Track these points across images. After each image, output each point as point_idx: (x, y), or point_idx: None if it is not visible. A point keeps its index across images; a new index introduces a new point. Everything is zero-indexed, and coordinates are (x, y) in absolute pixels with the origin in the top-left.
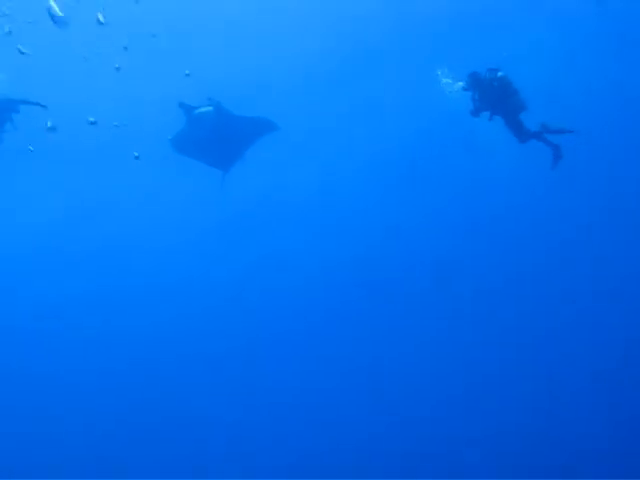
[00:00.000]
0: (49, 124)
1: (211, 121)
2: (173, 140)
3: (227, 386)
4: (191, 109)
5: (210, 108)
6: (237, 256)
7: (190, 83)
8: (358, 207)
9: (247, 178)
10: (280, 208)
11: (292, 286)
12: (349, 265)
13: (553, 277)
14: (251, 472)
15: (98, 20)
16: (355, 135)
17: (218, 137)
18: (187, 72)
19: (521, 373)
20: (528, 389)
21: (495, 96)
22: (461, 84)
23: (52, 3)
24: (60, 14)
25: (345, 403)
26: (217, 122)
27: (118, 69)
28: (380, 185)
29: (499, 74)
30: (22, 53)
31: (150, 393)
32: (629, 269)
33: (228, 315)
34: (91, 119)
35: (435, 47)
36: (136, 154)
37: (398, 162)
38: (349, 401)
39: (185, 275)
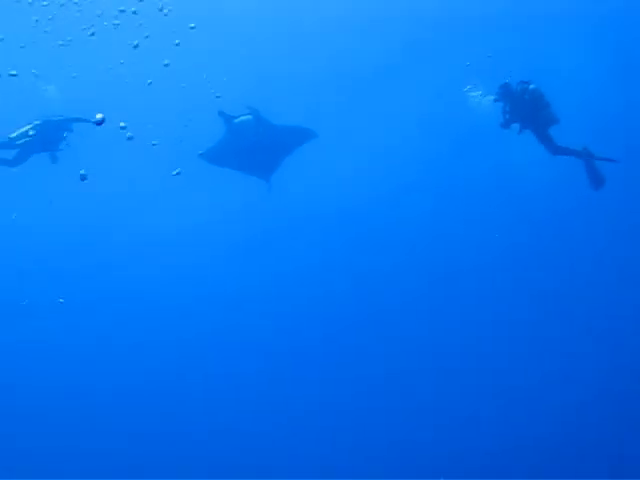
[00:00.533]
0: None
1: (252, 130)
2: (209, 152)
3: (237, 392)
4: (231, 118)
5: (250, 117)
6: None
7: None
8: (388, 221)
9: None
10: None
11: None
12: (378, 276)
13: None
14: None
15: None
16: (385, 149)
17: (259, 146)
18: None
19: (522, 374)
20: (527, 389)
21: (526, 109)
22: (491, 97)
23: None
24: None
25: (359, 408)
26: (257, 131)
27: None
28: (410, 200)
29: (531, 87)
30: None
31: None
32: None
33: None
34: (129, 134)
35: (465, 59)
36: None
37: (429, 177)
38: (363, 406)
39: (227, 286)
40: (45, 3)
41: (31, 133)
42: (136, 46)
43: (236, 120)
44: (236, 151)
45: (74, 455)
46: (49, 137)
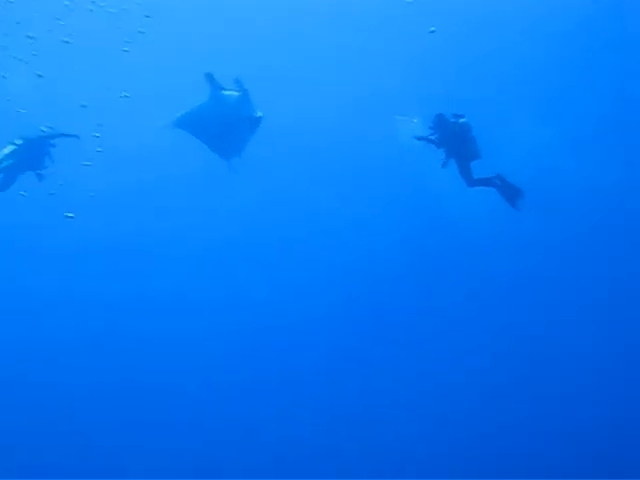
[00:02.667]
0: None
1: (234, 106)
2: (183, 118)
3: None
4: (218, 87)
5: (236, 93)
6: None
7: None
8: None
9: None
10: None
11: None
12: None
13: None
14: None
15: None
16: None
17: (233, 125)
18: None
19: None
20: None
21: (454, 140)
22: (415, 120)
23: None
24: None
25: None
26: (238, 109)
27: None
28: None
29: (461, 120)
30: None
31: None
32: None
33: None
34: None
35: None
36: None
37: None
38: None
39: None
40: None
41: (13, 153)
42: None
43: (223, 92)
44: (209, 122)
45: (74, 455)
46: (33, 155)
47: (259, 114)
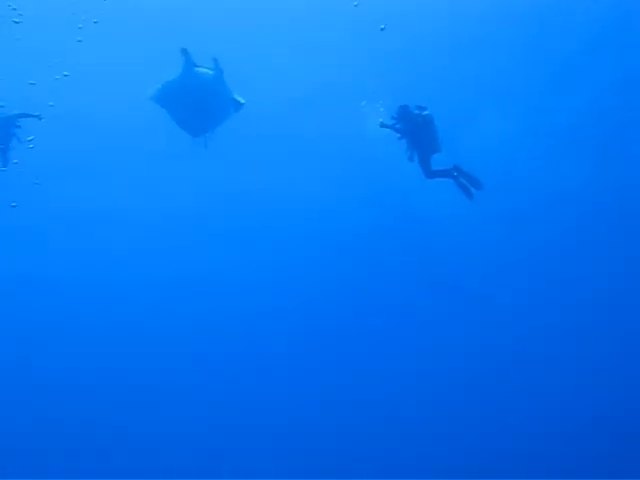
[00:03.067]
0: None
1: (208, 84)
2: (159, 92)
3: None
4: (192, 64)
5: (211, 72)
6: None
7: None
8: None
9: None
10: None
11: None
12: None
13: None
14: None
15: None
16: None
17: (204, 102)
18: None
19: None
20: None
21: (417, 131)
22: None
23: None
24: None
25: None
26: (209, 88)
27: None
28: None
29: (425, 112)
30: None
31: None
32: None
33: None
34: None
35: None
36: None
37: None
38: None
39: None
40: None
41: None
42: None
43: (197, 69)
44: (180, 97)
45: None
46: None
47: (242, 100)
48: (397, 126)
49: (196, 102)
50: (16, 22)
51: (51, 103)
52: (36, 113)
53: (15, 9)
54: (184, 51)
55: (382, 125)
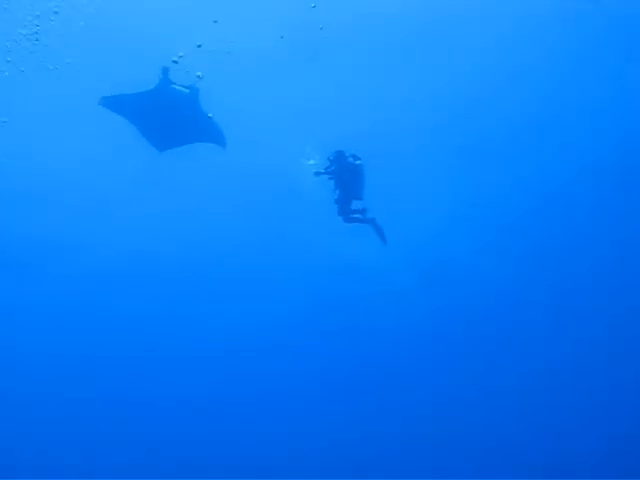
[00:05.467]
0: None
1: (181, 102)
2: (118, 97)
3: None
4: (169, 82)
5: (187, 91)
6: None
7: None
8: None
9: None
10: None
11: None
12: None
13: None
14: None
15: None
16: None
17: (174, 118)
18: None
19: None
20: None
21: (345, 177)
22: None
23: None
24: None
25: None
26: (182, 105)
27: None
28: None
29: (358, 162)
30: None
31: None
32: None
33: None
34: None
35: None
36: None
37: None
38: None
39: None
40: None
41: None
42: None
43: (173, 86)
44: (150, 110)
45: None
46: None
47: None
48: (330, 168)
49: (166, 117)
50: None
51: None
52: None
53: None
54: (165, 70)
55: (317, 173)
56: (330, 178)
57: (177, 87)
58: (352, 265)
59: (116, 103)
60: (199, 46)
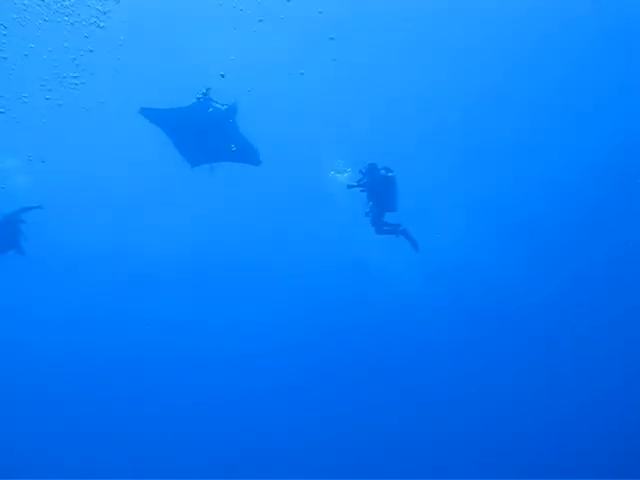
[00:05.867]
0: None
1: (216, 118)
2: (160, 111)
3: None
4: (209, 99)
5: (224, 107)
6: None
7: None
8: None
9: None
10: None
11: None
12: None
13: None
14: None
15: None
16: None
17: (211, 135)
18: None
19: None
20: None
21: (378, 189)
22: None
23: None
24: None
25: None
26: (219, 122)
27: None
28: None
29: (390, 174)
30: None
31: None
32: None
33: None
34: None
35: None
36: None
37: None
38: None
39: None
40: None
41: None
42: None
43: (213, 103)
44: (187, 125)
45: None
46: (5, 236)
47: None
48: (363, 181)
49: (201, 133)
50: None
51: None
52: (36, 204)
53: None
54: (208, 90)
55: (349, 186)
56: (362, 191)
57: (216, 105)
58: (377, 275)
59: (155, 115)
60: (222, 76)
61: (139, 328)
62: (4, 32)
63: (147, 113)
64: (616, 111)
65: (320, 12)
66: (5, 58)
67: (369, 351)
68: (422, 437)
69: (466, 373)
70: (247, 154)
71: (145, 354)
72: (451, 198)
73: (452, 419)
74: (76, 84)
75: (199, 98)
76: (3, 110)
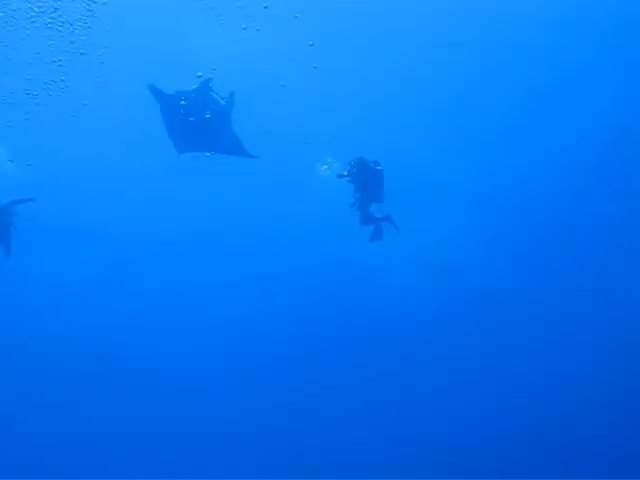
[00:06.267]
0: None
1: (213, 108)
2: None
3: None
4: (210, 89)
5: (224, 102)
6: None
7: None
8: None
9: None
10: None
11: None
12: None
13: None
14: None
15: None
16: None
17: (203, 125)
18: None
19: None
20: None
21: (366, 181)
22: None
23: None
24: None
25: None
26: (216, 113)
27: None
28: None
29: (378, 167)
30: None
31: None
32: None
33: None
34: None
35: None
36: None
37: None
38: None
39: None
40: None
41: None
42: None
43: (212, 93)
44: (187, 111)
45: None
46: None
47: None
48: (352, 171)
49: (195, 121)
50: None
51: None
52: (28, 197)
53: None
54: (209, 80)
55: (339, 176)
56: (351, 181)
57: (214, 95)
58: (361, 266)
59: (159, 94)
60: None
61: (124, 317)
62: None
63: (154, 90)
64: (609, 108)
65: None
66: None
67: (363, 351)
68: (421, 436)
69: (464, 372)
70: (236, 149)
71: (132, 349)
72: (441, 193)
73: (449, 419)
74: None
75: (200, 86)
76: None
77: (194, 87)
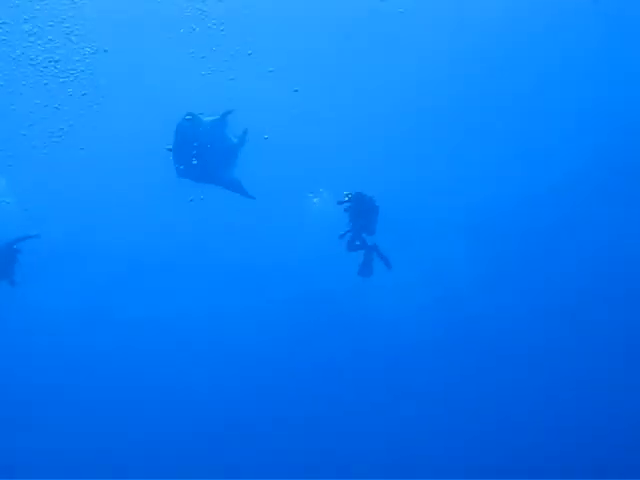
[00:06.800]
0: None
1: (222, 143)
2: (189, 121)
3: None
4: (225, 122)
5: (235, 140)
6: None
7: None
8: None
9: None
10: None
11: None
12: None
13: None
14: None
15: None
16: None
17: (213, 157)
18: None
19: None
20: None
21: (361, 212)
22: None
23: None
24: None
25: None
26: (227, 150)
27: None
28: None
29: (376, 203)
30: None
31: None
32: None
33: None
34: None
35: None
36: None
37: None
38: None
39: None
40: None
41: None
42: None
43: (226, 128)
44: (196, 139)
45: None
46: (2, 265)
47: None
48: (348, 204)
49: (204, 151)
50: None
51: None
52: (33, 233)
53: None
54: (229, 112)
55: (339, 202)
56: (346, 210)
57: (228, 131)
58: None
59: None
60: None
61: (122, 327)
62: None
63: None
64: (605, 142)
65: None
66: None
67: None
68: (420, 435)
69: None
70: (239, 186)
71: (129, 352)
72: (437, 224)
73: (446, 418)
74: None
75: (219, 118)
76: None
77: (212, 118)
